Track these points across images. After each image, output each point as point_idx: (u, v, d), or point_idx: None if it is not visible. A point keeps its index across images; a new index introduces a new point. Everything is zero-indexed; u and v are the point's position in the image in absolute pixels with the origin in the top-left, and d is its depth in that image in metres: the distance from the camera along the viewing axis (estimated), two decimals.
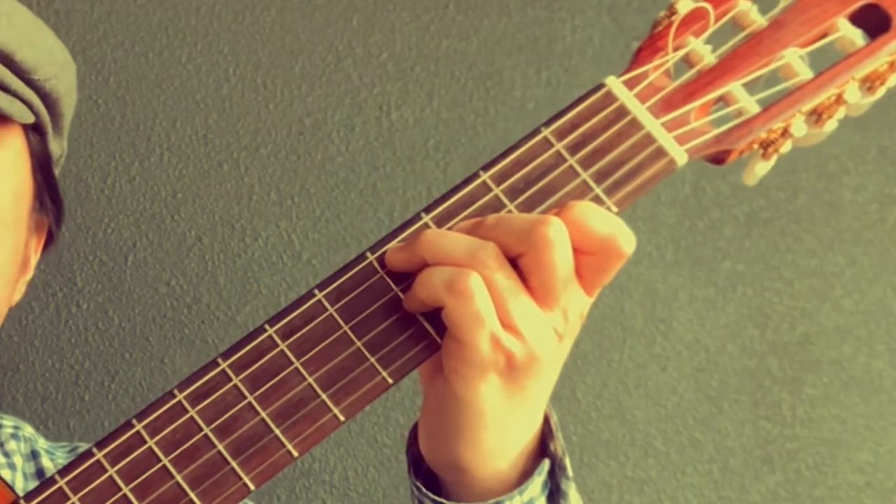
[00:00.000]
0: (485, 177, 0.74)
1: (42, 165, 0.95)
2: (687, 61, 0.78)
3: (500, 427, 0.73)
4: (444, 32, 1.33)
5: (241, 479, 0.69)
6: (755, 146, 0.78)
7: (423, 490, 0.77)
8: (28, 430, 1.04)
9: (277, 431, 0.69)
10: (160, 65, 1.30)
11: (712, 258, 1.32)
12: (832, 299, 1.32)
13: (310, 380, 0.70)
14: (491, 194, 0.74)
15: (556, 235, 0.69)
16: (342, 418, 0.70)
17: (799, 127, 0.77)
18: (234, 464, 0.69)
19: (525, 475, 0.76)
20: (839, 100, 0.78)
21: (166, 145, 1.29)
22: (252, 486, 0.69)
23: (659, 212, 1.32)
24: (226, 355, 0.71)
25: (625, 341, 1.31)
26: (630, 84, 0.76)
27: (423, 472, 0.79)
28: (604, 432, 1.29)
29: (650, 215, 1.32)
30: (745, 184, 0.80)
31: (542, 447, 0.78)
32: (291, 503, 1.27)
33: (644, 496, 1.29)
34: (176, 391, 0.70)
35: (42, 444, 1.03)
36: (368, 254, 0.72)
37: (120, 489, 0.68)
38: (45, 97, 0.92)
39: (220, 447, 0.69)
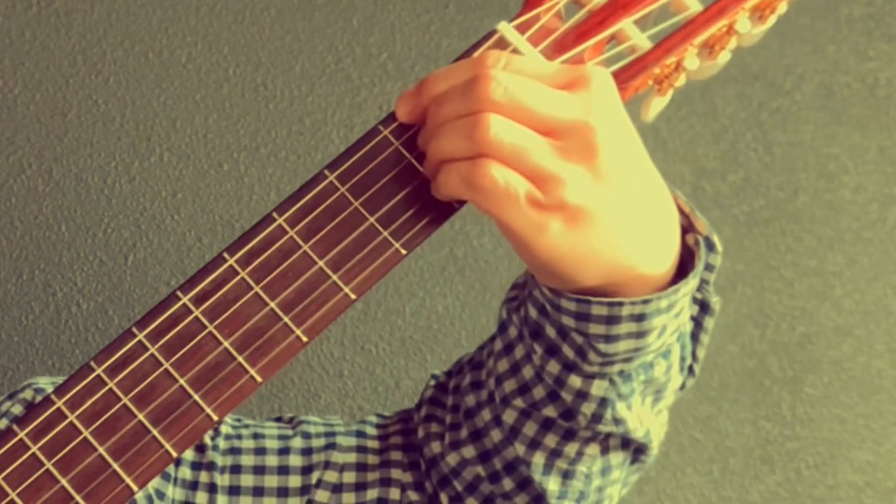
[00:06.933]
0: (386, 131, 0.74)
1: None
2: (577, 2, 0.77)
3: (593, 251, 0.70)
4: (444, 32, 1.33)
5: (162, 446, 0.69)
6: (649, 82, 0.77)
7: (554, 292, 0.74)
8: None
9: (196, 396, 0.69)
10: (160, 65, 1.30)
11: None
12: (832, 299, 1.32)
13: (225, 343, 0.70)
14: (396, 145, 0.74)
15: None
16: (259, 379, 0.70)
17: (692, 60, 0.77)
18: (154, 432, 0.69)
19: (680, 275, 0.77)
20: (730, 30, 0.77)
21: (166, 145, 1.29)
22: (174, 453, 0.69)
23: None
24: (140, 325, 0.70)
25: None
26: (522, 28, 0.75)
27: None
28: None
29: None
30: (644, 120, 0.79)
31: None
32: None
33: (644, 496, 1.29)
34: (93, 364, 0.69)
35: None
36: (275, 214, 0.72)
37: (43, 465, 0.68)
38: None
39: (140, 416, 0.69)
